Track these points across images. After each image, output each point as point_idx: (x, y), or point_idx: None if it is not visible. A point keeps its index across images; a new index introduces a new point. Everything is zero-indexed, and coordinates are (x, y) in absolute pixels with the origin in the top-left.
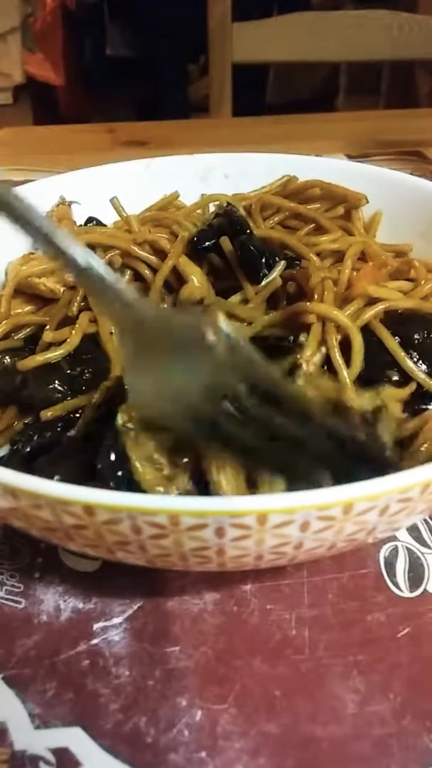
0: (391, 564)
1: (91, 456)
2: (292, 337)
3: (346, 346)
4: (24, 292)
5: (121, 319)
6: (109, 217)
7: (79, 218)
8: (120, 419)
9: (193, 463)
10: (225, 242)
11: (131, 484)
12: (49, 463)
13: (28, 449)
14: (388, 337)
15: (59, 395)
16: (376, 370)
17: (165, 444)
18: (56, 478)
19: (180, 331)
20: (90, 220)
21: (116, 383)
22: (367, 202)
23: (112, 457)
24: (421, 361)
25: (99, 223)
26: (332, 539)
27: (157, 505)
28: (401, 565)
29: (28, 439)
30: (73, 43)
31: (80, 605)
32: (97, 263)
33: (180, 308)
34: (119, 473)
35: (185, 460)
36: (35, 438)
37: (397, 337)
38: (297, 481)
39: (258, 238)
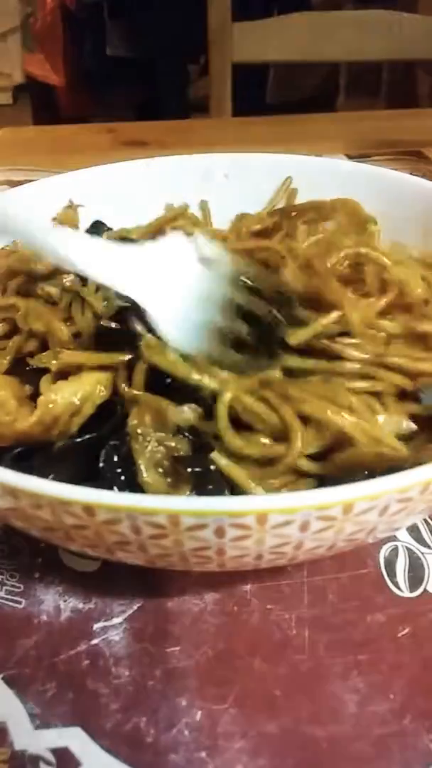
0: (391, 564)
1: (90, 457)
2: None
3: None
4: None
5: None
6: (109, 218)
7: (80, 222)
8: (131, 421)
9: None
10: None
11: (133, 487)
12: (45, 462)
13: (18, 449)
14: None
15: None
16: None
17: (173, 452)
18: (50, 477)
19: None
20: (96, 224)
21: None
22: (376, 223)
23: (116, 458)
24: None
25: (105, 228)
26: (332, 539)
27: (157, 505)
28: (401, 565)
29: None
30: (73, 43)
31: (80, 605)
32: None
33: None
34: (122, 477)
35: (189, 469)
36: None
37: None
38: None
39: None
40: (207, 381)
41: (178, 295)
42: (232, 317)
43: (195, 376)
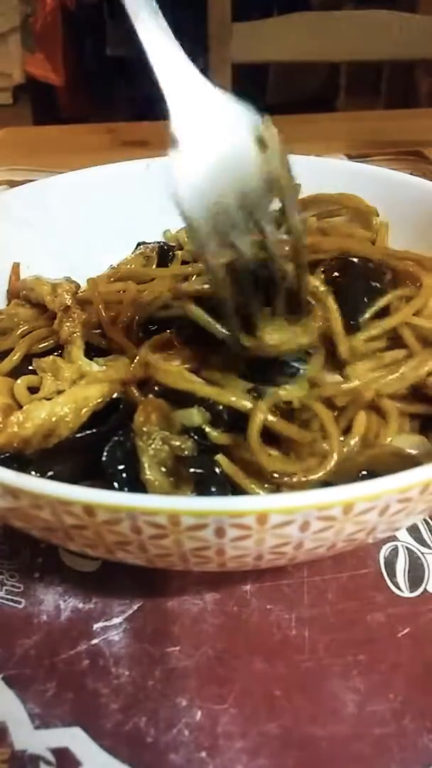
0: (391, 564)
1: (91, 452)
2: None
3: None
4: (29, 301)
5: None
6: (109, 218)
7: (80, 222)
8: (137, 418)
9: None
10: None
11: (134, 484)
12: (45, 457)
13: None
14: None
15: None
16: None
17: (178, 451)
18: (49, 474)
19: (234, 110)
20: None
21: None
22: (378, 215)
23: (119, 454)
24: None
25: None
26: (332, 539)
27: (157, 505)
28: (401, 565)
29: None
30: (73, 43)
31: (80, 605)
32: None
33: None
34: (124, 473)
35: (192, 470)
36: None
37: None
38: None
39: None
40: (236, 402)
41: (212, 154)
42: (248, 224)
43: (225, 398)
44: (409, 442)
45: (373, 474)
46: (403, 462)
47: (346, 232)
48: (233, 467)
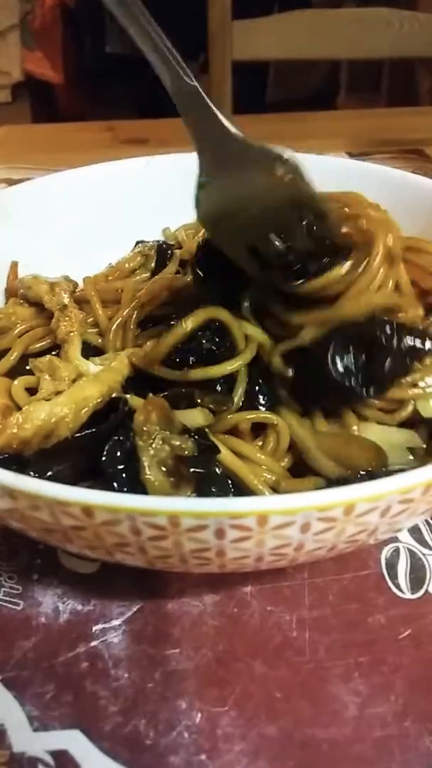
0: (392, 565)
1: (91, 452)
2: None
3: None
4: (27, 300)
5: (205, 130)
6: (108, 216)
7: (79, 220)
8: (137, 418)
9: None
10: None
11: (134, 484)
12: (44, 458)
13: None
14: None
15: None
16: None
17: (178, 451)
18: (48, 474)
19: (254, 152)
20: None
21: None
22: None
23: (119, 453)
24: None
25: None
26: (333, 540)
27: (157, 506)
28: (403, 567)
29: None
30: (73, 41)
31: (79, 607)
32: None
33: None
34: (124, 473)
35: (192, 470)
36: None
37: None
38: None
39: None
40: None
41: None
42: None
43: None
44: (401, 437)
45: (372, 474)
46: (378, 458)
47: (357, 214)
48: (235, 459)
